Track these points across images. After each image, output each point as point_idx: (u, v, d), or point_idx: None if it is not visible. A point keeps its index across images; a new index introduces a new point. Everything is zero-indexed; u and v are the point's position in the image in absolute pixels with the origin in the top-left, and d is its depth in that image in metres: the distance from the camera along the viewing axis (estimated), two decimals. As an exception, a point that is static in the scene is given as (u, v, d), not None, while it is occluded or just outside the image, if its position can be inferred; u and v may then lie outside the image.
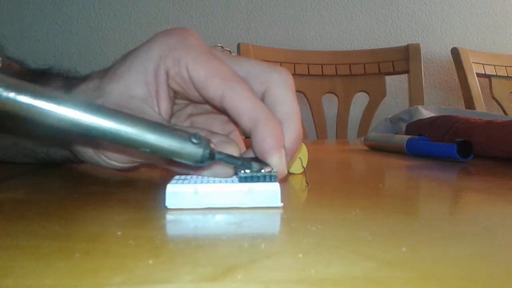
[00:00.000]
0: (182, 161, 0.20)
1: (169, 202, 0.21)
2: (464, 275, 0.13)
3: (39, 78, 0.31)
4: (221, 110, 0.25)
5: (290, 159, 0.24)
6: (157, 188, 0.27)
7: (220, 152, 0.21)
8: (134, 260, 0.14)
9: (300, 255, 0.14)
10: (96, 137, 0.18)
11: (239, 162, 0.22)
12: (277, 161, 0.22)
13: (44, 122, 0.18)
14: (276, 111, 0.25)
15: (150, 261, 0.14)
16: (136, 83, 0.25)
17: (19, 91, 0.17)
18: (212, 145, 0.20)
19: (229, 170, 0.24)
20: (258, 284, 0.12)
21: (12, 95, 0.17)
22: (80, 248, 0.15)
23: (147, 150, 0.19)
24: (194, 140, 0.19)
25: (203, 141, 0.20)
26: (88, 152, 0.26)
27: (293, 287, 0.12)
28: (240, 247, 0.15)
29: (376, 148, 0.58)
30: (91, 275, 0.13)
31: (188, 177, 0.23)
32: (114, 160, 0.26)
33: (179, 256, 0.14)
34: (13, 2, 1.34)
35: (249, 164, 0.22)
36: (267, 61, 1.11)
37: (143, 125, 0.19)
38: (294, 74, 1.12)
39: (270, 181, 0.21)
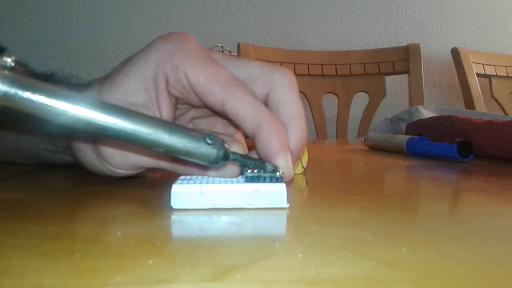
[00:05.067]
0: (196, 161, 0.20)
1: (175, 202, 0.21)
2: (464, 275, 0.13)
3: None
4: (223, 115, 0.25)
5: (295, 160, 0.24)
6: (160, 188, 0.27)
7: (234, 153, 0.21)
8: (134, 260, 0.14)
9: (300, 255, 0.14)
10: (112, 136, 0.18)
11: (253, 163, 0.21)
12: (283, 163, 0.22)
13: (59, 122, 0.18)
14: (280, 112, 0.25)
15: (150, 261, 0.14)
16: (136, 91, 0.25)
17: (35, 90, 0.17)
18: (226, 146, 0.20)
19: (235, 170, 0.23)
20: (258, 284, 0.12)
21: (27, 94, 0.17)
22: (80, 248, 0.15)
23: (161, 150, 0.19)
24: (209, 141, 0.19)
25: (218, 142, 0.20)
26: (92, 161, 0.26)
27: (293, 287, 0.12)
28: (240, 247, 0.15)
29: (376, 148, 0.58)
30: (91, 275, 0.13)
31: (194, 177, 0.23)
32: (118, 167, 0.25)
33: (179, 256, 0.14)
34: (13, 2, 1.34)
35: (263, 165, 0.22)
36: (267, 61, 1.11)
37: (158, 125, 0.19)
38: (294, 74, 1.12)
39: (277, 182, 0.21)
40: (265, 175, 0.21)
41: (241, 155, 0.21)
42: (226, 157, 0.20)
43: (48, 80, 0.33)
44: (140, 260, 0.14)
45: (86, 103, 0.18)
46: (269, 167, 0.22)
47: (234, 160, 0.21)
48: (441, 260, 0.14)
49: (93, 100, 0.18)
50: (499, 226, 0.19)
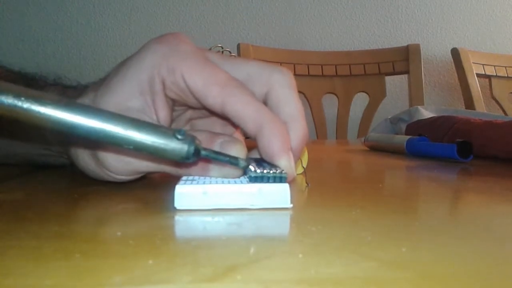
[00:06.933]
0: (166, 158, 0.19)
1: (178, 202, 0.20)
2: (464, 275, 0.13)
3: (31, 85, 0.31)
4: (222, 116, 0.25)
5: (296, 160, 0.24)
6: (161, 188, 0.27)
7: (205, 149, 0.20)
8: (134, 260, 0.14)
9: (300, 255, 0.14)
10: (80, 135, 0.18)
11: (226, 159, 0.21)
12: (285, 163, 0.22)
13: (25, 122, 0.17)
14: (280, 112, 0.25)
15: (150, 261, 0.14)
16: (131, 95, 0.24)
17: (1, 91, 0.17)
18: (197, 141, 0.20)
19: (238, 170, 0.23)
20: (258, 284, 0.12)
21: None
22: (80, 248, 0.15)
23: (131, 147, 0.19)
24: (179, 136, 0.19)
25: (188, 137, 0.19)
26: (92, 167, 0.26)
27: (293, 287, 0.12)
28: (240, 247, 0.15)
29: (376, 148, 0.58)
30: (91, 275, 0.13)
31: (196, 177, 0.23)
32: (119, 173, 0.25)
33: (179, 256, 0.14)
34: (13, 2, 1.34)
35: (235, 160, 0.21)
36: (267, 61, 1.11)
37: (126, 122, 0.19)
38: (294, 74, 1.11)
39: (280, 182, 0.21)
40: (269, 175, 0.21)
41: (213, 151, 0.21)
42: (197, 153, 0.20)
43: (37, 81, 0.33)
44: (140, 260, 0.14)
45: (52, 102, 0.18)
46: (242, 162, 0.21)
47: (206, 156, 0.20)
48: (441, 260, 0.14)
49: (59, 99, 0.18)
50: (499, 226, 0.19)
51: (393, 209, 0.22)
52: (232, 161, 0.21)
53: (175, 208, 0.20)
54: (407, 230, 0.18)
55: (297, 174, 0.33)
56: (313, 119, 1.17)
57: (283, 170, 0.22)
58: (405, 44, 1.24)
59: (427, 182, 0.34)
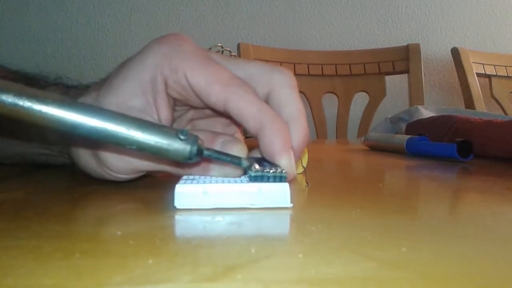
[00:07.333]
0: (169, 158, 0.19)
1: (178, 202, 0.20)
2: (464, 275, 0.13)
3: (32, 84, 0.31)
4: (224, 115, 0.25)
5: (297, 159, 0.24)
6: (161, 188, 0.27)
7: (208, 149, 0.21)
8: (134, 260, 0.14)
9: (300, 255, 0.14)
10: (82, 135, 0.18)
11: (228, 159, 0.21)
12: (286, 163, 0.22)
13: (28, 121, 0.17)
14: (281, 112, 0.25)
15: (150, 261, 0.14)
16: (133, 94, 0.24)
17: (2, 90, 0.17)
18: (200, 141, 0.20)
19: (238, 170, 0.23)
20: (258, 284, 0.12)
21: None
22: (80, 247, 0.15)
23: (134, 147, 0.19)
24: (182, 136, 0.19)
25: (191, 137, 0.19)
26: (93, 167, 0.26)
27: (293, 287, 0.12)
28: (240, 247, 0.15)
29: (376, 148, 0.58)
30: (91, 275, 0.13)
31: (197, 177, 0.23)
32: (119, 172, 0.25)
33: (179, 256, 0.14)
34: (13, 2, 1.34)
35: (238, 160, 0.21)
36: (267, 61, 1.11)
37: (129, 122, 0.19)
38: (294, 74, 1.11)
39: (280, 181, 0.21)
40: (269, 175, 0.21)
41: (216, 151, 0.21)
42: (200, 153, 0.20)
43: (38, 81, 0.33)
44: (140, 260, 0.14)
45: (54, 101, 0.18)
46: (244, 162, 0.21)
47: (209, 156, 0.21)
48: (441, 260, 0.14)
49: (61, 98, 0.18)
50: (499, 226, 0.19)
51: (393, 209, 0.22)
52: (234, 161, 0.21)
53: (175, 207, 0.20)
54: (407, 230, 0.18)
55: (297, 174, 0.33)
56: (313, 119, 1.17)
57: (283, 170, 0.22)
58: (405, 44, 1.24)
59: (427, 182, 0.34)
